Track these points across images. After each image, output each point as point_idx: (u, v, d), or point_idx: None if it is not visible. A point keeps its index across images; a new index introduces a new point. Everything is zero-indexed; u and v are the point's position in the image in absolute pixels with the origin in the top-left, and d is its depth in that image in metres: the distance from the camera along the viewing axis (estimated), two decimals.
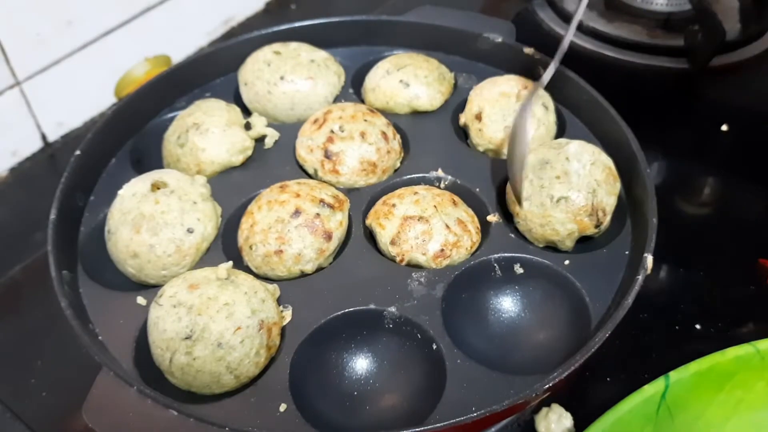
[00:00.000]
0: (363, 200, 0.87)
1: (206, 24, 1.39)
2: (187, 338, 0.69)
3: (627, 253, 0.79)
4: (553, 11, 1.45)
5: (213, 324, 0.70)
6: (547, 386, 0.63)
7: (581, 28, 1.37)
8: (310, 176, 0.91)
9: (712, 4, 1.28)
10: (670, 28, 1.39)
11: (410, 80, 0.97)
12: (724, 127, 1.18)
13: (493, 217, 0.84)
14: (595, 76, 0.96)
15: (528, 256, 0.79)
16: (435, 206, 0.82)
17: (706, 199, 1.10)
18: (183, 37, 1.33)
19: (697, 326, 0.87)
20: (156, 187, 0.83)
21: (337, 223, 0.82)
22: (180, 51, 1.33)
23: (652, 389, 0.68)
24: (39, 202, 0.93)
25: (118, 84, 1.24)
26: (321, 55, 1.02)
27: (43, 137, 1.20)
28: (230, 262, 0.77)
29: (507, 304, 0.78)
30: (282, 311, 0.76)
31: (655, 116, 1.19)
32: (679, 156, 1.13)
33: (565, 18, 1.41)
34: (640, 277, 0.71)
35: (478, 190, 0.87)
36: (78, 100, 1.21)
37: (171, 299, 0.72)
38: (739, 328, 0.87)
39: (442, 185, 0.89)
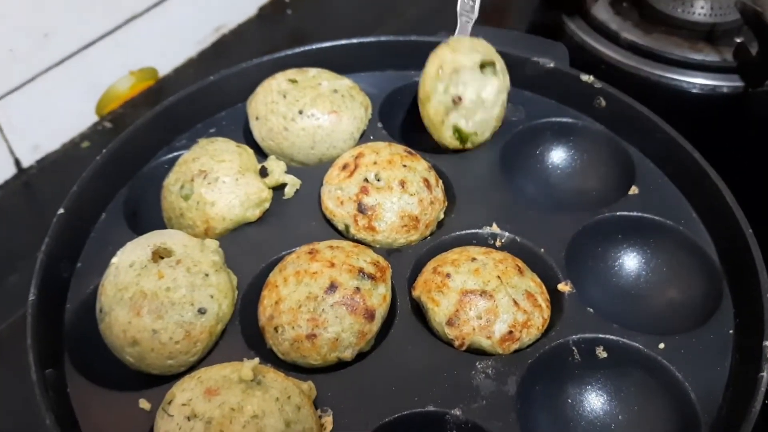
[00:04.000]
0: (406, 264, 0.73)
1: (195, 33, 1.27)
2: None
3: (731, 332, 0.66)
4: (585, 22, 1.30)
5: None
6: None
7: (617, 41, 1.24)
8: (339, 232, 0.76)
9: (765, 12, 1.15)
10: (715, 40, 1.25)
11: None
12: None
13: (565, 287, 0.70)
14: (636, 97, 0.84)
15: (613, 337, 0.66)
16: (498, 276, 0.68)
17: None
18: (170, 48, 1.22)
19: None
20: (158, 255, 0.69)
21: (381, 298, 0.68)
22: (167, 63, 1.22)
23: None
24: (12, 235, 0.81)
25: (100, 101, 1.13)
26: (344, 83, 0.87)
27: (17, 162, 1.06)
28: (256, 360, 0.62)
29: (594, 401, 0.65)
30: (321, 418, 0.62)
31: (709, 143, 1.05)
32: (739, 190, 1.00)
33: (599, 30, 1.27)
34: (766, 375, 0.58)
35: (543, 250, 0.73)
36: (55, 120, 1.10)
37: (183, 408, 0.58)
38: None
39: (498, 243, 0.75)
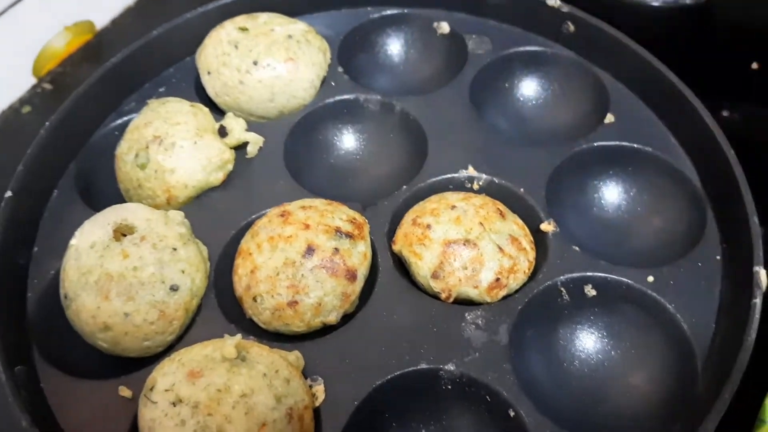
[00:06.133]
0: (383, 217, 0.70)
1: None
2: None
3: (718, 258, 0.65)
4: None
5: (230, 426, 0.54)
6: None
7: None
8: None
9: None
10: None
11: None
12: (755, 65, 1.03)
13: (548, 226, 0.68)
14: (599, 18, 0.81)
15: (601, 274, 0.65)
16: (480, 222, 0.65)
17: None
18: None
19: None
20: (120, 233, 0.64)
21: (361, 256, 0.65)
22: (104, 15, 1.14)
23: None
24: None
25: (37, 61, 1.06)
26: (299, 27, 0.82)
27: None
28: (238, 336, 0.59)
29: (586, 341, 0.64)
30: (311, 387, 0.59)
31: (677, 59, 1.02)
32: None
33: None
34: (758, 301, 0.57)
35: (522, 190, 0.71)
36: None
37: (167, 394, 0.55)
38: None
39: (475, 187, 0.72)
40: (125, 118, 0.79)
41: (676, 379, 0.59)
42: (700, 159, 0.72)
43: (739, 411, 0.59)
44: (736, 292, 0.61)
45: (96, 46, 1.10)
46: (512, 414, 0.57)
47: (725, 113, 0.97)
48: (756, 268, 0.60)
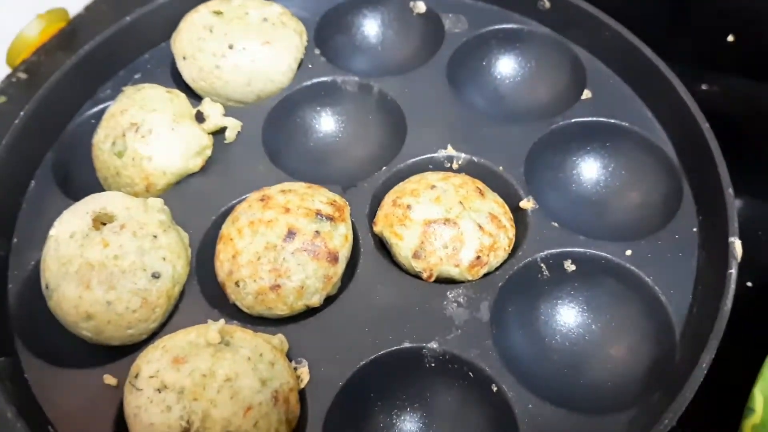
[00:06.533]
0: (363, 199, 0.70)
1: None
2: None
3: (695, 230, 0.66)
4: None
5: (215, 410, 0.54)
6: None
7: None
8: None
9: None
10: None
11: None
12: (730, 38, 1.03)
13: (527, 203, 0.69)
14: None
15: (580, 249, 0.66)
16: (460, 202, 0.66)
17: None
18: None
19: None
20: (100, 222, 0.64)
21: (342, 238, 0.65)
22: (77, 1, 1.12)
23: None
24: None
25: (10, 51, 1.04)
26: (274, 10, 0.81)
27: None
28: (222, 321, 0.59)
29: (567, 315, 0.65)
30: (296, 370, 0.60)
31: (646, 36, 1.03)
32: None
33: None
34: (734, 271, 0.58)
35: (501, 168, 0.71)
36: None
37: (152, 381, 0.56)
38: None
39: (455, 166, 0.73)
40: (101, 106, 0.78)
41: (654, 349, 0.60)
42: (676, 132, 0.72)
43: (728, 401, 0.61)
44: (712, 263, 0.62)
45: (70, 34, 1.08)
46: (495, 389, 0.58)
47: (703, 86, 0.97)
48: (731, 239, 0.60)
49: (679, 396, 0.52)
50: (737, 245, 0.60)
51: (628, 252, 0.65)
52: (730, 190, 0.63)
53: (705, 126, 0.68)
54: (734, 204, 0.62)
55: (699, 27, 1.04)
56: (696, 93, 0.72)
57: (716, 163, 0.66)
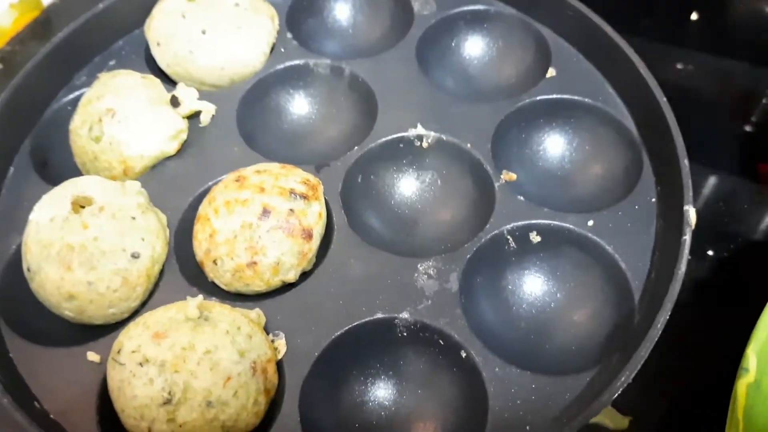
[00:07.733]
0: (337, 178, 0.72)
1: None
2: (166, 403, 0.56)
3: (653, 200, 0.69)
4: None
5: (196, 381, 0.56)
6: (615, 395, 0.54)
7: None
8: None
9: None
10: None
11: None
12: (694, 16, 1.06)
13: (509, 175, 0.71)
14: None
15: (544, 221, 0.68)
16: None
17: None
18: None
19: None
20: (79, 205, 0.66)
21: (316, 216, 0.67)
22: None
23: None
24: None
25: None
26: None
27: None
28: (200, 297, 0.62)
29: (533, 284, 0.67)
30: (274, 342, 0.62)
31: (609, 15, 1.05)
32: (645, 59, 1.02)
33: None
34: (688, 237, 0.61)
35: (469, 145, 0.74)
36: None
37: (134, 355, 0.58)
38: None
39: (425, 145, 0.75)
40: (77, 93, 0.80)
41: (615, 313, 0.63)
42: (636, 107, 0.75)
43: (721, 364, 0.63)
44: (668, 230, 0.65)
45: (44, 23, 1.09)
46: (464, 355, 0.61)
47: (667, 63, 1.00)
48: (686, 207, 0.63)
49: (635, 355, 0.55)
50: (691, 213, 0.63)
51: (590, 223, 0.68)
52: (686, 161, 0.66)
53: (663, 100, 0.71)
54: (689, 174, 0.65)
55: (662, 4, 1.07)
56: (661, 70, 0.74)
57: (673, 134, 0.68)
